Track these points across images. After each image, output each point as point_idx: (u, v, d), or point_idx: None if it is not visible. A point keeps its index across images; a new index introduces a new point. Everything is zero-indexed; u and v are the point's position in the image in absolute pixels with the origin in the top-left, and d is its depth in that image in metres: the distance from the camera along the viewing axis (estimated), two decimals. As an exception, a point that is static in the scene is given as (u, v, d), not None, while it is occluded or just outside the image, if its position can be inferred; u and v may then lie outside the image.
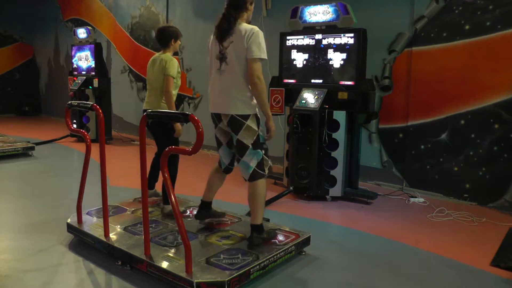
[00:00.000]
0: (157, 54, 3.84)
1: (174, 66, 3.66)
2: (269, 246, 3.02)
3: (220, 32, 3.02)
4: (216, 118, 3.16)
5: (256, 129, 3.03)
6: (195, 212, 3.73)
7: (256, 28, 2.96)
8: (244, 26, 2.98)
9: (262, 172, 3.07)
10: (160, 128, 3.70)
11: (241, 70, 2.97)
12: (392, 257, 3.27)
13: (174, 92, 3.74)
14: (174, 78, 3.66)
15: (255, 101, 3.02)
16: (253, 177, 3.05)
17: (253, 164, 3.03)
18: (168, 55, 3.74)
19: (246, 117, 3.00)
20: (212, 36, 3.14)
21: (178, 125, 3.62)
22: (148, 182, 3.87)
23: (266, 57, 2.96)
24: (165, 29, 3.82)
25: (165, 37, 3.76)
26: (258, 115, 3.08)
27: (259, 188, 3.07)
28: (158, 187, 4.05)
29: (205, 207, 3.45)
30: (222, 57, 3.03)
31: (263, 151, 3.08)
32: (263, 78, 2.95)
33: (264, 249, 2.97)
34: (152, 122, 3.67)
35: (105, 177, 3.13)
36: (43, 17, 11.82)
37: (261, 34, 2.95)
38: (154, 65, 3.78)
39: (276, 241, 3.12)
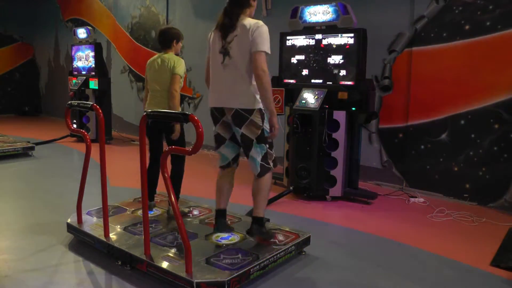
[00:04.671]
0: (158, 54, 3.79)
1: (182, 66, 3.66)
2: (269, 246, 3.02)
3: (223, 28, 3.02)
4: (218, 112, 3.11)
5: (261, 123, 3.00)
6: (195, 212, 3.75)
7: (260, 22, 2.95)
8: (249, 20, 2.97)
9: (268, 166, 3.07)
10: (169, 130, 3.63)
11: (245, 64, 2.95)
12: (392, 257, 3.27)
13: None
14: (181, 77, 3.65)
15: (259, 96, 2.99)
16: (262, 172, 3.06)
17: (259, 158, 3.03)
18: (174, 55, 3.73)
19: (250, 111, 2.97)
20: (212, 32, 3.13)
21: (177, 126, 3.59)
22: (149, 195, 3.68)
23: (269, 52, 2.94)
24: (168, 30, 3.81)
25: (168, 39, 3.74)
26: (263, 110, 3.03)
27: (264, 182, 3.08)
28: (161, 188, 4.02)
29: (221, 215, 3.29)
30: (225, 52, 3.01)
31: (267, 145, 3.06)
32: (268, 71, 2.91)
33: (264, 249, 2.97)
34: (159, 123, 3.61)
35: (105, 177, 3.13)
36: (43, 17, 11.82)
37: (265, 29, 2.93)
38: (158, 65, 3.70)
39: (276, 241, 3.12)
